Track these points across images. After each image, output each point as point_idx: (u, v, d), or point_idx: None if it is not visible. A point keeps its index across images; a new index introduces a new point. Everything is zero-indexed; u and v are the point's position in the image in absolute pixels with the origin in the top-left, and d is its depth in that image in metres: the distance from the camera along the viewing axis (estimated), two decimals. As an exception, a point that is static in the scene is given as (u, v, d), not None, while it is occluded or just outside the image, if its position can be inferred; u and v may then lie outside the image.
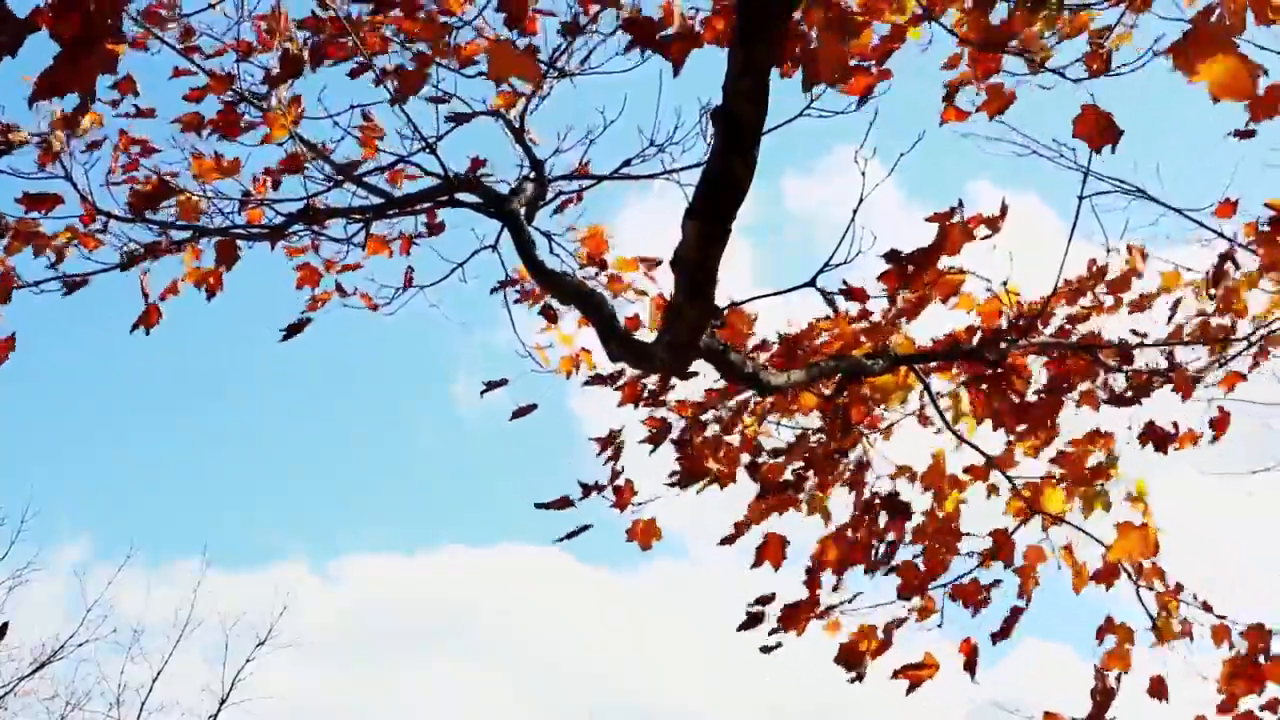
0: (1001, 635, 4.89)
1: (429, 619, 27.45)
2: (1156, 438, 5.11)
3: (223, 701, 17.33)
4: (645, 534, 5.31)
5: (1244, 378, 5.15)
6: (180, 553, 32.93)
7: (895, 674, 4.76)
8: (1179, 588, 4.76)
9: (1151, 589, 4.76)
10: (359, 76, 4.66)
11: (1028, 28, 4.01)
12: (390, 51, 4.67)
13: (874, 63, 4.14)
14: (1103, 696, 3.21)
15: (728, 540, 5.15)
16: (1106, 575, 4.74)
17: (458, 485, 31.69)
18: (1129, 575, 4.73)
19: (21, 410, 24.50)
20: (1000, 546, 4.91)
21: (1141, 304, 5.18)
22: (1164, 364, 5.12)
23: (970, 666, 4.80)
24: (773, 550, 5.06)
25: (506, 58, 3.54)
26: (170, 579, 29.83)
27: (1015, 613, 4.90)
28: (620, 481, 5.22)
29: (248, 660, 17.67)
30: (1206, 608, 4.67)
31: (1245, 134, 4.43)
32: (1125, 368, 5.08)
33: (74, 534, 28.42)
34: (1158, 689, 4.76)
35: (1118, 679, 3.21)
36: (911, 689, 4.77)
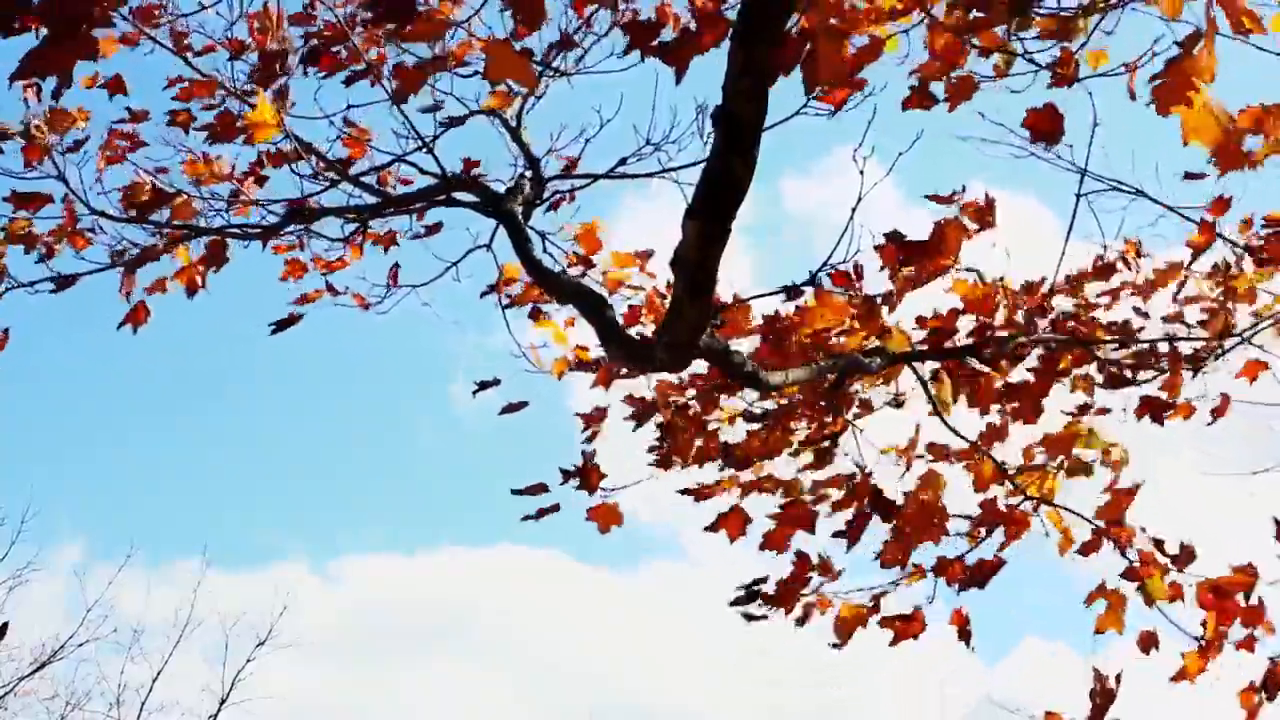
0: (975, 582, 4.91)
1: (429, 619, 27.48)
2: (1153, 410, 5.12)
3: (223, 701, 17.30)
4: (606, 517, 5.28)
5: (1266, 366, 5.18)
6: (180, 553, 32.89)
7: (882, 623, 4.82)
8: (1159, 545, 4.78)
9: (1126, 554, 4.78)
10: (353, 84, 4.64)
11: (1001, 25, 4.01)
12: (386, 60, 4.66)
13: (851, 72, 4.16)
14: (1102, 698, 3.21)
15: (690, 491, 5.15)
16: (1089, 546, 4.78)
17: (456, 485, 31.76)
18: (1112, 541, 4.76)
19: (19, 411, 24.40)
20: (985, 515, 4.93)
21: (1142, 290, 5.19)
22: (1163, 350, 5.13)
23: (965, 636, 4.81)
24: (733, 521, 5.08)
25: (504, 60, 3.52)
26: (170, 579, 29.81)
27: (997, 562, 4.93)
28: (603, 468, 5.21)
29: (248, 660, 17.67)
30: (1182, 557, 4.71)
31: (1195, 176, 4.56)
32: (1126, 345, 5.09)
33: (72, 534, 28.39)
34: (1146, 643, 4.82)
35: (1117, 679, 3.23)
36: (896, 640, 4.83)
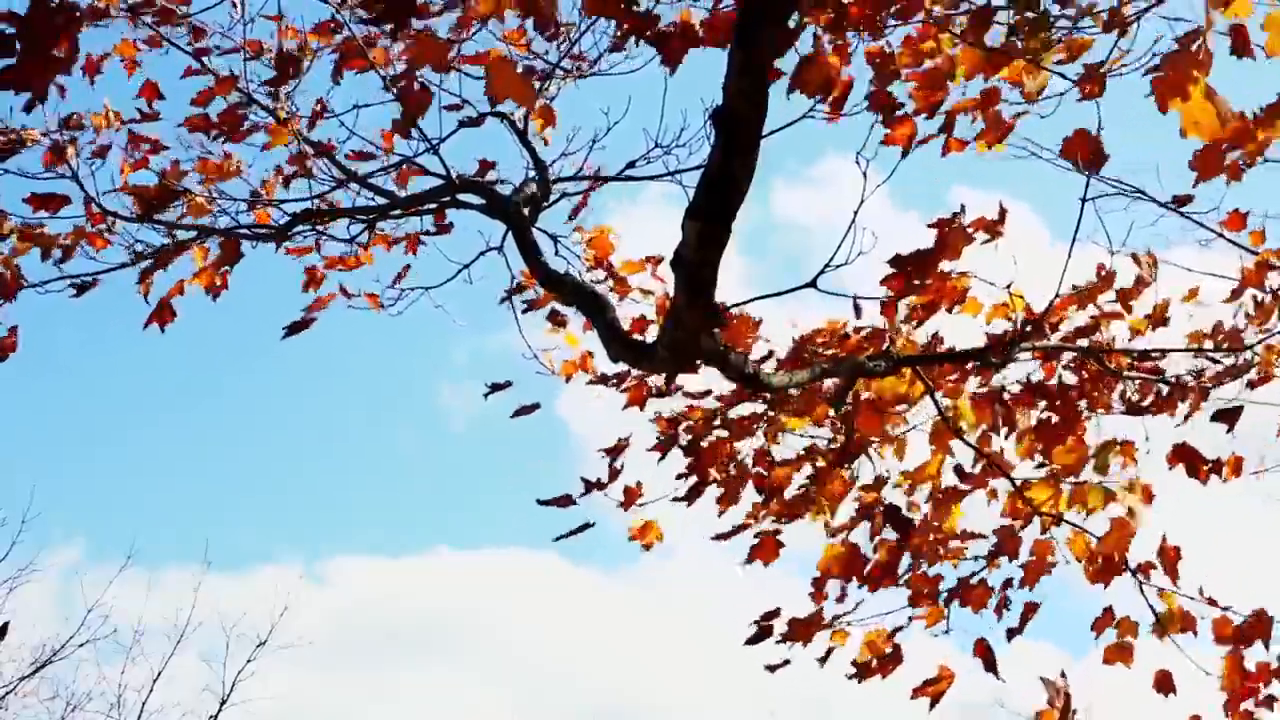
0: (1016, 632, 4.87)
1: (423, 622, 27.42)
2: (1187, 460, 4.96)
3: (224, 702, 17.34)
4: (647, 534, 5.32)
5: None
6: (174, 555, 32.97)
7: (916, 693, 4.75)
8: (1174, 575, 4.70)
9: (1146, 583, 4.72)
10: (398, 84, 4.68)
11: (1024, 57, 4.00)
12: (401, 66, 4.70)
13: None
14: (1063, 701, 3.20)
15: (723, 536, 5.13)
16: (1105, 572, 4.71)
17: (445, 488, 31.69)
18: (1130, 571, 4.70)
19: (15, 412, 24.52)
20: (1005, 544, 4.89)
21: (1158, 316, 5.10)
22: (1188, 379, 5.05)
23: (990, 666, 4.76)
24: (766, 550, 5.05)
25: (505, 78, 3.53)
26: (161, 582, 29.85)
27: (1029, 608, 4.89)
28: (625, 482, 5.21)
29: (248, 661, 17.70)
30: (1211, 602, 4.63)
31: (1184, 200, 4.50)
32: (1153, 377, 5.03)
33: (67, 537, 28.40)
34: (1163, 683, 4.73)
35: (1063, 675, 3.22)
36: (933, 705, 4.76)
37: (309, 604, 30.07)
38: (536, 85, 4.99)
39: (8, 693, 16.16)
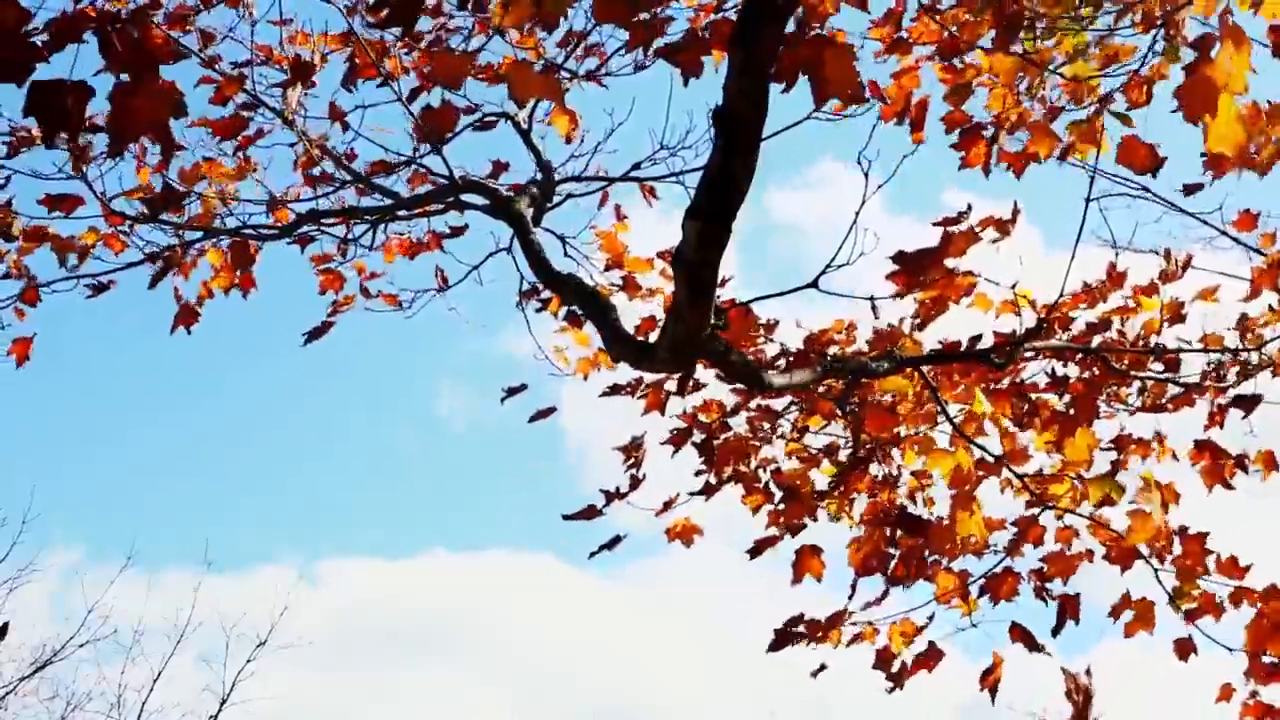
0: (1060, 625, 4.83)
1: (423, 623, 27.42)
2: (1210, 456, 4.94)
3: (224, 702, 17.39)
4: (685, 531, 5.35)
5: None
6: (168, 557, 33.11)
7: (983, 685, 4.71)
8: (1201, 552, 4.66)
9: (1160, 566, 4.69)
10: (414, 100, 4.72)
11: (1067, 63, 3.96)
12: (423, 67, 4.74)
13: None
14: (1081, 697, 3.17)
15: (755, 552, 5.12)
16: (1122, 558, 4.67)
17: (448, 490, 31.72)
18: (1143, 557, 4.66)
19: (16, 412, 24.64)
20: (1026, 531, 4.87)
21: (1174, 314, 5.07)
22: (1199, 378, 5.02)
23: (1035, 647, 4.72)
24: (810, 562, 4.99)
25: (527, 79, 3.54)
26: (161, 583, 30.00)
27: (1067, 600, 4.84)
28: (640, 486, 5.21)
29: (248, 661, 17.74)
30: (1232, 564, 4.58)
31: (1194, 188, 4.46)
32: (1163, 376, 5.00)
33: (67, 537, 28.52)
34: (1184, 650, 4.72)
35: (1088, 673, 3.18)
36: (993, 694, 4.73)
37: (309, 604, 30.32)
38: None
39: (8, 693, 16.25)
